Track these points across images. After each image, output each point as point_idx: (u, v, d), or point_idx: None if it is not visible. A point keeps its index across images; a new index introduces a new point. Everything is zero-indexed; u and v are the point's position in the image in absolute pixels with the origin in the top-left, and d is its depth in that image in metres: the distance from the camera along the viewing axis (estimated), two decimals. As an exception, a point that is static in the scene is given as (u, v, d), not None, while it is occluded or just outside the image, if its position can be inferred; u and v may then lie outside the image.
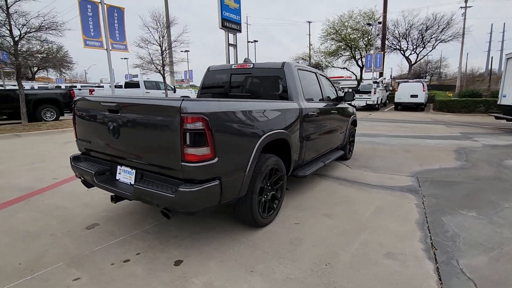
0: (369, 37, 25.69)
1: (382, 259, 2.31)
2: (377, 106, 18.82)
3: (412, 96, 18.30)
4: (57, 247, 2.43)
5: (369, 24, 23.99)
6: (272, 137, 2.68)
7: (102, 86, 15.94)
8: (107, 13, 10.24)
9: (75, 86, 16.22)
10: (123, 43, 10.96)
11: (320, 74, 4.46)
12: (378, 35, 25.56)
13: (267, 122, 2.60)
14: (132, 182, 2.33)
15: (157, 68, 13.35)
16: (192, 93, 21.12)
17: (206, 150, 2.00)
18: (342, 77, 42.98)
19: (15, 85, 10.62)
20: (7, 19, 8.03)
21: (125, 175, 2.42)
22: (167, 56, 14.04)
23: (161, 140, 2.07)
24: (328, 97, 4.64)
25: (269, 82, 3.60)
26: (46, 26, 8.63)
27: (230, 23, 29.69)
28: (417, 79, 22.18)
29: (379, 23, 23.26)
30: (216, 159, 2.08)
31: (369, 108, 19.05)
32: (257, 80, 3.74)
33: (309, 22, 40.44)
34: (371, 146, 7.06)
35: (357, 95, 18.96)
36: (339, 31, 26.76)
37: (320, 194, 3.78)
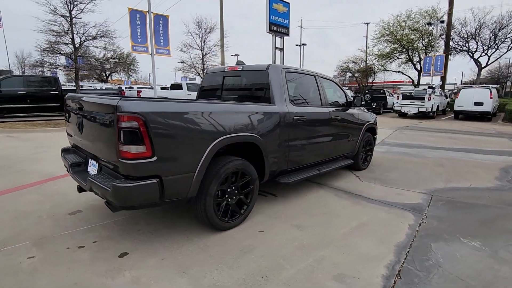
0: (430, 38, 23.32)
1: (327, 280, 2.09)
2: (431, 114, 16.96)
3: (476, 104, 16.05)
4: (36, 228, 2.74)
5: (429, 24, 21.77)
6: (232, 140, 2.63)
7: (152, 88, 17.41)
8: (153, 21, 11.18)
9: (132, 87, 18.00)
10: (166, 48, 11.82)
11: (323, 78, 4.23)
12: (441, 35, 23.11)
13: (224, 124, 2.55)
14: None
15: (197, 72, 14.11)
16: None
17: (142, 149, 2.06)
18: (402, 81, 39.73)
19: (77, 86, 12.21)
20: (70, 29, 9.37)
21: (93, 168, 2.62)
22: (206, 60, 14.76)
23: (105, 136, 2.20)
24: (333, 102, 4.37)
25: (255, 84, 3.54)
26: (101, 34, 9.80)
27: (278, 26, 29.78)
28: (484, 85, 19.39)
29: (442, 22, 20.94)
30: (154, 158, 2.13)
31: (423, 116, 17.30)
32: (245, 83, 3.71)
33: (367, 23, 38.32)
34: (400, 157, 6.40)
35: (407, 101, 17.42)
36: (394, 32, 24.84)
37: (306, 203, 3.57)
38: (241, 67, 3.66)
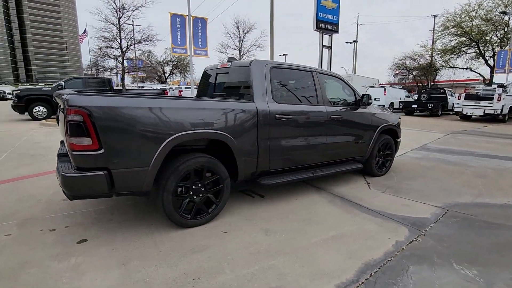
0: (506, 29, 19.98)
1: (260, 291, 1.91)
2: (501, 116, 14.54)
3: None
4: (29, 210, 3.08)
5: (503, 13, 18.65)
6: (192, 137, 2.58)
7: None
8: (192, 24, 11.72)
9: (180, 88, 19.20)
10: (204, 49, 12.29)
11: (323, 74, 3.91)
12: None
13: (181, 120, 2.51)
14: (71, 165, 2.71)
15: None
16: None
17: (87, 141, 2.15)
18: (478, 80, 34.69)
19: (123, 86, 13.43)
20: (118, 35, 10.41)
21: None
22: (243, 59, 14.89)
23: (64, 129, 2.34)
24: (338, 100, 4.02)
25: (240, 81, 3.43)
26: (144, 38, 10.67)
27: (326, 24, 28.75)
28: None
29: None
30: (102, 151, 2.20)
31: (492, 119, 14.95)
32: (232, 80, 3.62)
33: (434, 16, 34.32)
34: (434, 164, 5.61)
35: (471, 102, 15.24)
36: (461, 24, 21.88)
37: (291, 207, 3.34)
38: (230, 63, 3.59)
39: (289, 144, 3.34)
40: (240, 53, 14.33)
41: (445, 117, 17.11)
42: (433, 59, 24.94)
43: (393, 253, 2.41)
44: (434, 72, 26.02)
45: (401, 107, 19.04)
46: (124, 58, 10.77)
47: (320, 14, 26.60)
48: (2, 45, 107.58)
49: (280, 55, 39.71)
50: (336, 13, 28.72)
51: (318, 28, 29.21)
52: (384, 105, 19.95)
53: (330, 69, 27.61)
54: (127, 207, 3.21)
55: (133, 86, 27.46)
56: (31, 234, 2.57)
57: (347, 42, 32.75)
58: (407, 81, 32.69)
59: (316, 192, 3.87)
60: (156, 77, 38.87)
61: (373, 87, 21.63)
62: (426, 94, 19.33)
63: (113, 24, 10.03)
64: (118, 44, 10.38)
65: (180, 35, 11.56)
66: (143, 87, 30.99)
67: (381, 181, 4.45)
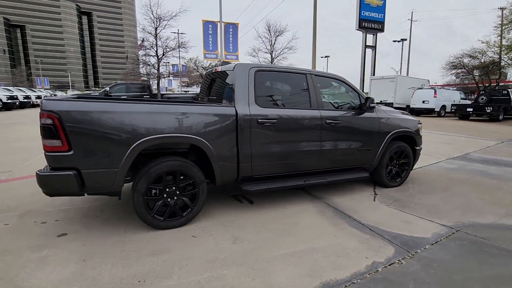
0: None
1: (194, 301, 1.85)
2: None
3: None
4: (35, 202, 3.41)
5: None
6: (163, 140, 2.62)
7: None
8: (224, 29, 12.05)
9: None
10: (235, 54, 12.56)
11: (321, 76, 3.69)
12: None
13: (149, 125, 2.56)
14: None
15: None
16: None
17: (58, 143, 2.32)
18: None
19: (158, 91, 14.23)
20: (154, 43, 11.18)
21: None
22: (274, 63, 14.76)
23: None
24: (335, 104, 3.78)
25: (226, 85, 3.40)
26: (178, 45, 11.28)
27: (370, 22, 27.43)
28: None
29: None
30: (71, 152, 2.36)
31: None
32: (221, 83, 3.60)
33: (502, 8, 30.24)
34: (468, 177, 4.92)
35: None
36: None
37: (274, 215, 3.20)
38: (220, 67, 3.59)
39: (274, 150, 3.22)
40: (271, 56, 14.32)
41: (508, 123, 14.95)
42: (496, 55, 21.95)
43: (362, 275, 2.16)
44: (499, 71, 22.89)
45: (453, 110, 17.14)
46: (160, 64, 11.58)
47: (364, 13, 25.40)
48: (76, 57, 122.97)
49: (322, 57, 38.66)
50: (381, 10, 27.09)
51: (361, 27, 27.98)
52: (403, 109, 18.16)
53: (374, 70, 26.09)
54: (118, 205, 3.39)
55: (177, 91, 29.21)
56: (25, 225, 2.86)
57: (394, 41, 30.57)
58: (467, 82, 29.29)
59: (309, 201, 3.66)
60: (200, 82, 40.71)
61: (421, 88, 19.85)
62: (486, 96, 17.13)
63: (150, 33, 10.88)
64: (155, 52, 11.20)
65: (211, 41, 11.98)
66: (187, 91, 32.77)
67: (392, 193, 4.03)
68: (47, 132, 2.30)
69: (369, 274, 2.17)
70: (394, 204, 3.61)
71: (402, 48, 30.28)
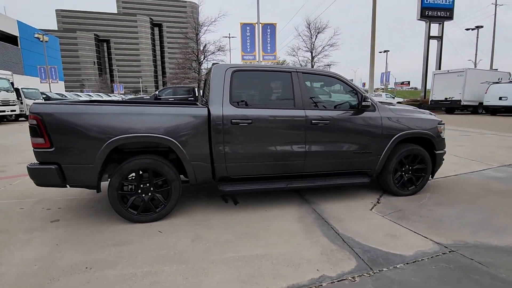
0: None
1: (119, 292, 1.95)
2: None
3: None
4: (54, 192, 3.95)
5: None
6: (133, 140, 2.80)
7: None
8: (261, 30, 12.14)
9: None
10: (273, 54, 12.53)
11: (312, 74, 3.48)
12: None
13: (120, 125, 2.75)
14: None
15: None
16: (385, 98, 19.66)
17: (41, 141, 2.67)
18: None
19: (198, 94, 14.89)
20: (195, 48, 11.84)
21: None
22: (314, 62, 14.10)
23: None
24: (327, 103, 3.53)
25: (207, 85, 3.45)
26: (217, 49, 11.76)
27: (435, 10, 24.75)
28: None
29: None
30: (53, 149, 2.69)
31: None
32: (208, 84, 3.65)
33: None
34: (504, 188, 4.10)
35: None
36: None
37: (250, 217, 3.14)
38: (210, 68, 3.66)
39: (251, 151, 3.16)
40: (311, 54, 13.80)
41: None
42: None
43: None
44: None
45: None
46: (202, 68, 12.25)
47: (427, 0, 22.74)
48: (148, 64, 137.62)
49: (380, 52, 35.90)
50: (450, -5, 23.85)
51: (423, 16, 25.42)
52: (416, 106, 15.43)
53: (440, 64, 23.14)
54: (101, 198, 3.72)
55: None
56: (34, 210, 3.36)
57: (467, 29, 26.53)
58: None
59: (297, 205, 3.48)
60: None
61: (498, 82, 16.96)
62: None
63: (191, 39, 11.55)
64: (196, 57, 11.89)
65: (249, 42, 12.17)
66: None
67: (399, 202, 3.58)
68: (33, 131, 2.68)
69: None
70: (393, 215, 3.21)
71: (478, 37, 26.09)
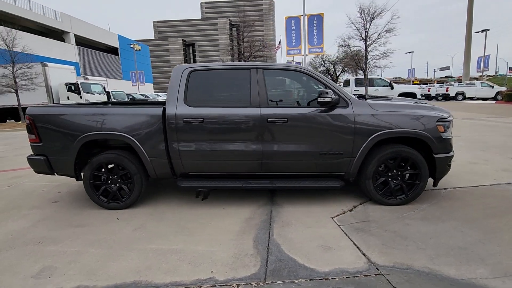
0: None
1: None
2: None
3: None
4: (65, 180, 4.79)
5: None
6: (97, 137, 3.21)
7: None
8: (307, 22, 11.70)
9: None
10: (319, 46, 11.93)
11: (269, 69, 3.30)
12: None
13: (88, 124, 3.18)
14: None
15: (357, 65, 12.52)
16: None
17: (33, 137, 3.31)
18: None
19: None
20: (238, 46, 12.15)
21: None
22: (368, 53, 12.44)
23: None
24: (290, 100, 3.31)
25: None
26: (261, 47, 11.84)
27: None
28: None
29: None
30: (41, 143, 3.31)
31: None
32: None
33: None
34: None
35: None
36: None
37: (204, 213, 3.23)
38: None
39: (204, 149, 3.22)
40: (365, 43, 12.30)
41: None
42: None
43: (156, 285, 2.02)
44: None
45: None
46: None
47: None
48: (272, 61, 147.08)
49: (476, 32, 29.85)
50: None
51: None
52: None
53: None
54: (114, 187, 4.29)
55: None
56: (50, 192, 4.15)
57: None
58: None
59: (257, 205, 3.39)
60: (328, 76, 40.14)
61: None
62: None
63: (234, 37, 11.81)
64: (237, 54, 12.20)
65: (294, 36, 11.86)
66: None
67: (375, 212, 3.13)
68: (27, 129, 3.34)
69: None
70: (352, 225, 2.84)
71: None
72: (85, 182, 3.37)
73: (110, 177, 3.39)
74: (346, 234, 2.66)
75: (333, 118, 3.14)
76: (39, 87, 15.88)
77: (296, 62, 35.86)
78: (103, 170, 3.37)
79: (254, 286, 2.00)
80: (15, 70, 14.64)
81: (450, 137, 3.24)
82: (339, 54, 13.37)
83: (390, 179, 3.26)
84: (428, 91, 26.37)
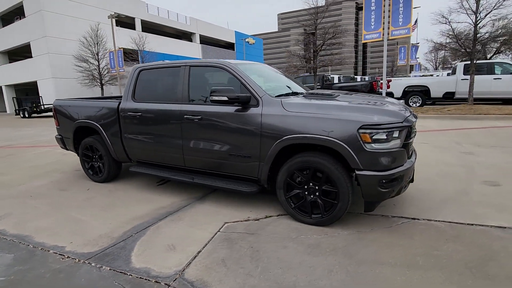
0: None
1: None
2: None
3: None
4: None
5: None
6: (82, 124, 4.13)
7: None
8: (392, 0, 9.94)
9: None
10: (406, 27, 9.90)
11: (196, 66, 3.31)
12: None
13: (80, 114, 4.14)
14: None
15: (462, 46, 9.16)
16: None
17: (55, 122, 4.58)
18: None
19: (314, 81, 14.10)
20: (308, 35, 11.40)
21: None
22: (480, 27, 8.68)
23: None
24: (205, 98, 3.29)
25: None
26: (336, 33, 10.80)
27: None
28: None
29: None
30: (59, 126, 4.55)
31: None
32: None
33: None
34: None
35: None
36: None
37: (144, 197, 3.67)
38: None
39: (141, 140, 3.64)
40: (476, 18, 8.74)
41: None
42: None
43: None
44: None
45: None
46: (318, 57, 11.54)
47: None
48: (350, 51, 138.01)
49: None
50: None
51: None
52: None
53: None
54: (127, 173, 5.30)
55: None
56: (66, 178, 5.31)
57: None
58: None
59: (181, 199, 3.56)
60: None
61: None
62: None
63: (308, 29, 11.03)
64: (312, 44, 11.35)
65: (374, 18, 10.28)
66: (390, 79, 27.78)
67: (278, 228, 2.78)
68: (54, 115, 4.63)
69: None
70: (232, 235, 2.66)
71: None
72: (80, 159, 4.41)
73: (93, 156, 4.30)
74: (209, 241, 2.54)
75: (240, 118, 2.92)
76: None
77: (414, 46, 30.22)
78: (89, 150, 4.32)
79: (74, 260, 2.31)
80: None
81: (389, 150, 2.42)
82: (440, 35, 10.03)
83: (306, 192, 2.76)
84: None
